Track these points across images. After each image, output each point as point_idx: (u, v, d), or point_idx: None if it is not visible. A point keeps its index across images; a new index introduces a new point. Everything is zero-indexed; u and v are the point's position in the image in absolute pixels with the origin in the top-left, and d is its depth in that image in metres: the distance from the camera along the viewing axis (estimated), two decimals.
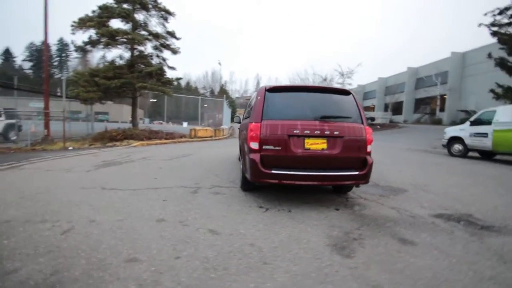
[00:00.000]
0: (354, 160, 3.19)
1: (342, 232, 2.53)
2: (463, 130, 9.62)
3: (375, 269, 1.89)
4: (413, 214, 3.10)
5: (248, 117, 4.98)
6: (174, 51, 14.41)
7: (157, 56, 14.44)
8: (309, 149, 3.09)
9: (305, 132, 3.08)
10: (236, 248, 2.15)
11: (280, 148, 3.08)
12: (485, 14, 13.63)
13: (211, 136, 14.56)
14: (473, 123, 9.31)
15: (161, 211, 2.95)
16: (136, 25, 13.17)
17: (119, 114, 39.81)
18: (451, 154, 9.68)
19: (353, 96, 3.46)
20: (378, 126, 25.86)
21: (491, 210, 3.34)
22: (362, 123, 3.29)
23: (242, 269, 1.84)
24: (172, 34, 14.41)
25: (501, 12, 13.25)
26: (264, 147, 3.10)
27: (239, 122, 6.21)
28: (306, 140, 3.09)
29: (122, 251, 2.04)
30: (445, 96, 30.25)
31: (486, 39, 19.03)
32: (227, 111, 23.67)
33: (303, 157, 3.09)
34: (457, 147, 9.58)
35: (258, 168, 3.06)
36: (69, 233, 2.35)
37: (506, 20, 13.29)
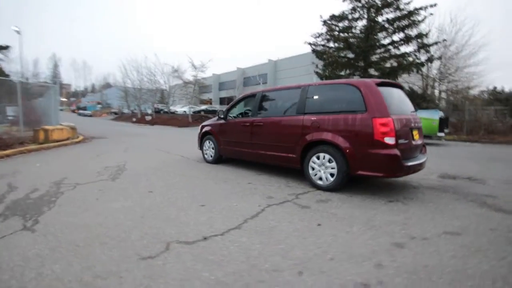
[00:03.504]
0: (423, 146, 3.92)
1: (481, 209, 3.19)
2: None
3: None
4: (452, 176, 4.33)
5: (256, 111, 4.37)
6: None
7: None
8: (414, 139, 3.44)
9: (414, 124, 3.40)
10: None
11: (407, 141, 3.22)
12: (311, 36, 18.94)
13: (68, 138, 10.02)
14: None
15: (369, 245, 2.22)
16: None
17: None
18: None
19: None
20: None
21: (457, 171, 5.25)
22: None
23: None
24: None
25: (318, 36, 18.93)
26: (399, 141, 3.09)
27: (223, 118, 5.18)
28: (413, 132, 3.42)
29: None
30: None
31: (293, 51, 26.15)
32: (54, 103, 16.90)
33: (413, 147, 3.41)
34: None
35: (400, 163, 3.04)
36: None
37: (320, 42, 19.16)
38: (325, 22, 18.87)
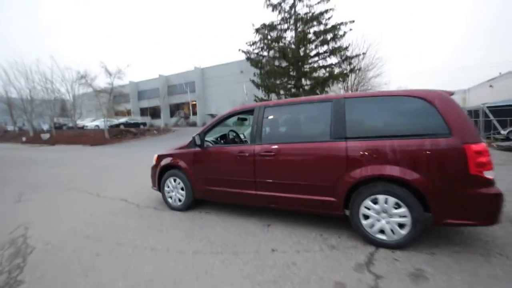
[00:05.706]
0: None
1: None
2: None
3: None
4: None
5: (259, 135, 3.09)
6: None
7: None
8: None
9: None
10: None
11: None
12: (246, 43, 18.32)
13: None
14: None
15: None
16: None
17: None
18: None
19: None
20: (155, 131, 25.15)
21: None
22: None
23: None
24: None
25: (253, 44, 18.48)
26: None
27: (199, 145, 3.59)
28: None
29: None
30: (194, 102, 36.00)
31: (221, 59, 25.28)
32: None
33: None
34: None
35: (502, 205, 2.23)
36: None
37: (254, 50, 18.74)
38: (257, 30, 18.59)
